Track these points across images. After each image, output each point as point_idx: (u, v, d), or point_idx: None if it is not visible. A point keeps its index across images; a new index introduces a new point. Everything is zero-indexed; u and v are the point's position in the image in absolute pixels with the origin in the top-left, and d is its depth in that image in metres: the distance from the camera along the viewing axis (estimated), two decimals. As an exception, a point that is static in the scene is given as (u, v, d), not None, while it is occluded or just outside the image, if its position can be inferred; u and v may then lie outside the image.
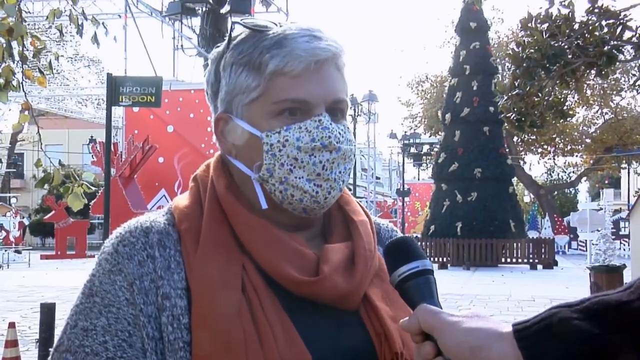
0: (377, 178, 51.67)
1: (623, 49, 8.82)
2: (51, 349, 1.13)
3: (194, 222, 1.13)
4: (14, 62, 4.44)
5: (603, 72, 8.59)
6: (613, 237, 14.77)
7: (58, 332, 1.12)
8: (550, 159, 46.95)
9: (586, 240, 19.95)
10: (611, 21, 8.27)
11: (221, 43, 1.18)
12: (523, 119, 9.03)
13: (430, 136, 45.96)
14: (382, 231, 1.31)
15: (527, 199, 60.26)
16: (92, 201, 18.61)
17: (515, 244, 25.75)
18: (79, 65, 45.15)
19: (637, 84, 11.32)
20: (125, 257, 1.10)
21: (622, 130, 41.50)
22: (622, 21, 8.25)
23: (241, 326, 1.02)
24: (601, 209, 18.84)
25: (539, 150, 45.12)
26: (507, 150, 29.64)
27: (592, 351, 0.84)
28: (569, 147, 44.04)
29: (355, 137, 1.20)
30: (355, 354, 1.09)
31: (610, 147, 41.90)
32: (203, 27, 15.19)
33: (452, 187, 27.06)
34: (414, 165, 53.51)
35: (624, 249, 30.45)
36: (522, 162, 44.10)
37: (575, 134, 43.28)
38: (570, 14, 8.40)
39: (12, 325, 6.55)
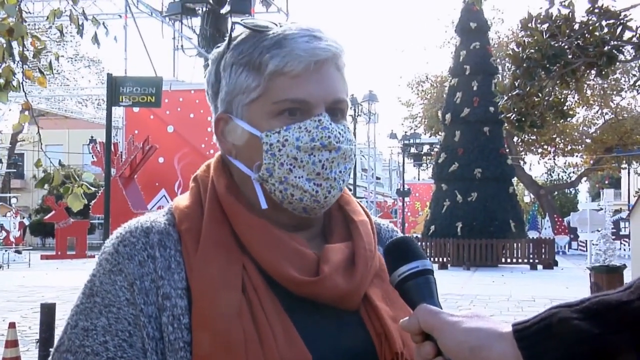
0: (377, 178, 51.68)
1: (623, 49, 8.82)
2: (51, 349, 1.13)
3: (194, 222, 1.13)
4: (14, 63, 4.44)
5: (603, 72, 8.59)
6: (613, 237, 14.78)
7: (58, 332, 1.12)
8: (551, 159, 46.97)
9: (586, 241, 19.94)
10: (611, 21, 8.27)
11: (221, 43, 1.19)
12: (523, 119, 9.03)
13: (430, 136, 45.97)
14: (382, 231, 1.31)
15: (527, 199, 60.26)
16: (92, 201, 18.62)
17: (515, 244, 25.75)
18: (79, 65, 45.19)
19: (637, 84, 11.32)
20: (126, 257, 1.10)
21: (622, 131, 41.50)
22: (622, 21, 8.25)
23: (241, 326, 1.02)
24: (601, 209, 18.83)
25: (539, 150, 45.13)
26: (507, 150, 29.65)
27: (592, 351, 0.84)
28: (569, 147, 44.05)
29: (355, 137, 1.21)
30: (356, 354, 1.09)
31: (610, 147, 41.91)
32: (203, 28, 15.20)
33: (452, 187, 27.06)
34: (414, 166, 53.53)
35: (624, 249, 30.45)
36: (522, 162, 44.10)
37: (576, 134, 43.29)
38: (570, 14, 8.40)
39: (12, 325, 6.55)
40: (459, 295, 15.05)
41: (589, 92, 39.46)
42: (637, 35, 8.30)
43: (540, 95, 8.89)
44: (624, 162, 42.45)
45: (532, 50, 8.40)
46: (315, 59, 1.11)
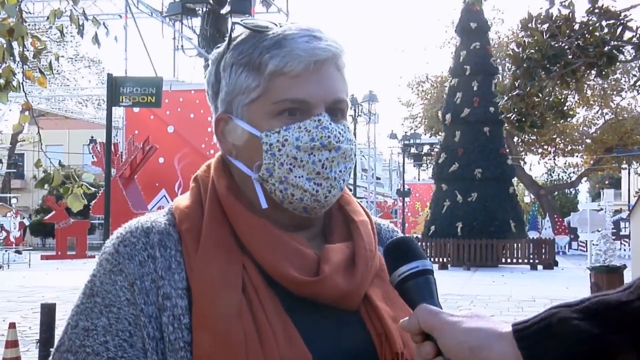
0: (378, 178, 51.68)
1: (623, 50, 8.82)
2: (52, 349, 1.13)
3: (194, 223, 1.13)
4: (14, 63, 4.45)
5: (603, 73, 8.59)
6: (613, 237, 14.79)
7: (58, 332, 1.13)
8: (551, 159, 46.99)
9: (586, 241, 19.95)
10: (611, 21, 8.27)
11: (221, 44, 1.19)
12: (523, 119, 9.03)
13: (430, 136, 45.97)
14: (382, 231, 1.31)
15: (527, 200, 60.26)
16: (93, 202, 18.63)
17: (515, 245, 25.75)
18: (79, 65, 45.20)
19: (637, 84, 11.31)
20: (126, 257, 1.10)
21: (622, 131, 41.52)
22: (622, 21, 8.25)
23: (241, 326, 1.02)
24: (601, 209, 18.84)
25: (539, 150, 45.14)
26: (507, 150, 29.65)
27: (592, 351, 0.84)
28: (569, 148, 44.07)
29: (355, 138, 1.20)
30: (356, 354, 1.09)
31: (610, 147, 41.92)
32: (203, 28, 15.21)
33: (452, 187, 27.06)
34: (414, 166, 53.52)
35: (625, 250, 30.46)
36: (522, 163, 44.10)
37: (576, 134, 43.30)
38: (570, 14, 8.40)
39: (12, 325, 6.55)
40: (459, 295, 15.05)
41: (589, 92, 39.47)
42: (637, 35, 8.30)
43: (540, 95, 8.89)
44: (624, 162, 42.46)
45: (532, 51, 8.40)
46: (315, 59, 1.11)
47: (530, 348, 0.86)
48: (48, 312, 6.70)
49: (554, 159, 47.40)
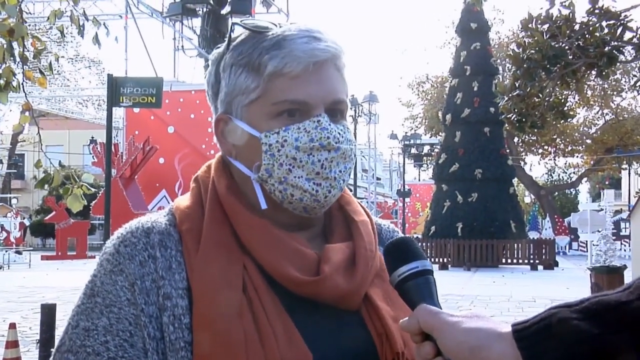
0: (378, 179, 51.69)
1: (623, 50, 8.82)
2: (52, 350, 1.13)
3: (195, 223, 1.13)
4: (14, 63, 4.45)
5: (604, 73, 8.58)
6: (614, 237, 14.78)
7: (58, 332, 1.13)
8: (551, 159, 47.00)
9: (587, 241, 19.97)
10: (612, 22, 8.27)
11: (221, 44, 1.19)
12: (524, 119, 9.03)
13: (430, 137, 45.97)
14: (383, 231, 1.31)
15: (527, 200, 60.26)
16: (93, 202, 18.64)
17: (515, 245, 25.74)
18: (79, 66, 45.21)
19: (637, 84, 11.31)
20: (127, 257, 1.10)
21: (622, 131, 41.52)
22: (622, 22, 8.25)
23: (242, 326, 1.02)
24: (602, 209, 18.86)
25: (540, 151, 45.14)
26: (507, 151, 29.66)
27: (592, 351, 0.84)
28: (569, 148, 44.07)
29: (355, 138, 1.21)
30: (356, 354, 1.09)
31: (610, 147, 41.93)
32: (203, 28, 15.21)
33: (452, 187, 27.05)
34: (414, 166, 53.51)
35: (625, 250, 30.46)
36: (522, 163, 44.10)
37: (576, 134, 43.30)
38: (570, 14, 8.40)
39: (12, 325, 6.55)
40: (459, 295, 15.05)
41: (589, 92, 39.47)
42: (638, 35, 8.30)
43: (540, 95, 8.89)
44: (625, 162, 42.46)
45: (533, 51, 8.40)
46: (314, 59, 1.11)
47: (529, 348, 0.86)
48: (48, 313, 6.71)
49: (554, 160, 47.44)
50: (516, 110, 8.96)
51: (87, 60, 45.20)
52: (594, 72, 8.90)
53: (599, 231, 15.47)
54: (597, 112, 43.84)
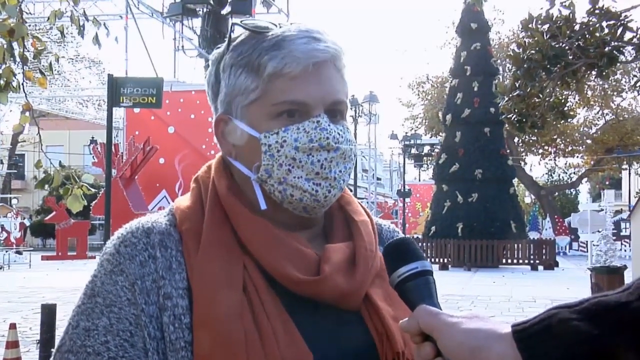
0: (378, 179, 51.68)
1: (624, 50, 8.81)
2: (52, 350, 1.13)
3: (195, 223, 1.13)
4: (15, 63, 4.45)
5: (604, 73, 8.58)
6: (614, 238, 14.78)
7: (59, 333, 1.13)
8: (551, 159, 47.00)
9: (587, 241, 19.96)
10: (612, 22, 8.27)
11: (221, 44, 1.19)
12: (524, 120, 9.03)
13: (431, 137, 45.95)
14: (384, 232, 1.31)
15: (528, 200, 60.25)
16: (93, 202, 18.65)
17: (516, 245, 25.75)
18: (79, 66, 45.23)
19: (637, 84, 11.31)
20: (127, 257, 1.10)
21: (622, 131, 41.53)
22: (622, 22, 8.24)
23: (242, 326, 1.03)
24: (602, 209, 18.87)
25: (540, 151, 45.14)
26: (507, 151, 29.65)
27: (592, 352, 0.84)
28: (569, 148, 44.07)
29: (356, 138, 1.21)
30: (357, 353, 1.09)
31: (611, 148, 41.93)
32: (204, 28, 15.19)
33: (452, 188, 27.05)
34: (414, 166, 53.47)
35: (625, 250, 30.46)
36: (522, 163, 44.09)
37: (576, 134, 43.30)
38: (571, 15, 8.40)
39: (13, 326, 6.55)
40: (459, 296, 15.05)
41: (589, 92, 39.47)
42: (638, 36, 8.30)
43: (540, 96, 8.89)
44: (625, 162, 42.45)
45: (533, 51, 8.40)
46: (313, 60, 1.11)
47: (529, 349, 0.86)
48: (48, 313, 6.71)
49: (555, 160, 47.44)
50: (516, 110, 8.97)
51: (88, 60, 45.24)
52: (594, 73, 8.90)
53: (599, 231, 15.47)
54: (598, 113, 43.85)
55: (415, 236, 29.72)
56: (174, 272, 1.09)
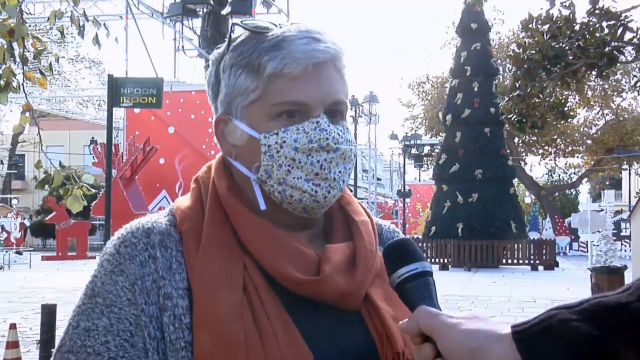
0: (378, 179, 51.68)
1: (624, 50, 8.81)
2: (52, 350, 1.13)
3: (195, 223, 1.13)
4: (15, 64, 4.45)
5: (604, 73, 8.58)
6: (614, 238, 14.78)
7: (59, 333, 1.13)
8: (551, 160, 47.01)
9: (587, 242, 19.96)
10: (612, 22, 8.27)
11: (222, 44, 1.19)
12: (524, 120, 9.04)
13: (431, 137, 45.95)
14: (384, 232, 1.31)
15: (528, 200, 60.26)
16: (93, 202, 18.65)
17: (516, 245, 25.75)
18: (80, 66, 45.22)
19: (638, 85, 11.31)
20: (127, 257, 1.10)
21: (623, 132, 41.54)
22: (623, 22, 8.24)
23: (242, 326, 1.03)
24: (602, 210, 18.87)
25: (540, 151, 45.14)
26: (508, 151, 29.66)
27: (592, 353, 0.84)
28: (570, 148, 44.07)
29: (356, 138, 1.21)
30: (357, 353, 1.09)
31: (611, 148, 41.94)
32: (204, 29, 15.19)
33: (453, 188, 27.06)
34: (414, 166, 53.49)
35: (625, 250, 30.46)
36: (523, 163, 44.09)
37: (576, 135, 43.30)
38: (571, 15, 8.40)
39: (13, 326, 6.55)
40: (459, 296, 15.05)
41: (589, 93, 39.48)
42: (638, 36, 8.30)
43: (541, 96, 8.89)
44: (625, 163, 42.45)
45: (533, 51, 8.40)
46: (313, 60, 1.11)
47: (529, 350, 0.86)
48: (49, 313, 6.71)
49: (555, 160, 47.46)
50: (516, 110, 8.97)
51: (88, 60, 45.24)
52: (594, 73, 8.90)
53: (599, 231, 15.47)
54: (598, 113, 43.85)
55: (415, 236, 29.74)
56: (174, 272, 1.09)
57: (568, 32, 8.28)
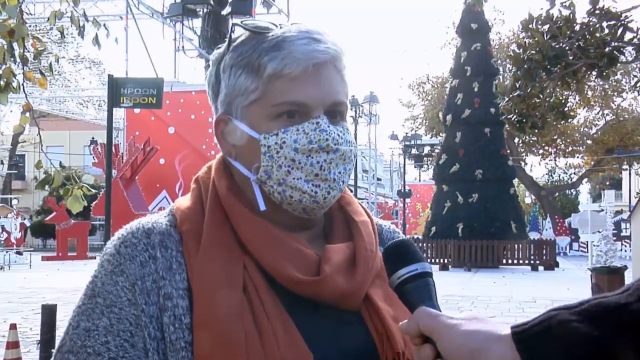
0: (378, 179, 51.69)
1: (624, 50, 8.81)
2: (53, 350, 1.13)
3: (195, 223, 1.13)
4: (15, 64, 4.45)
5: (604, 74, 8.58)
6: (614, 238, 14.79)
7: (59, 333, 1.13)
8: (552, 160, 47.01)
9: (587, 242, 19.95)
10: (612, 22, 8.26)
11: (222, 45, 1.19)
12: (524, 120, 9.04)
13: (431, 137, 45.96)
14: (384, 232, 1.31)
15: (528, 200, 60.25)
16: (93, 203, 18.64)
17: (516, 245, 25.75)
18: (80, 66, 45.26)
19: (638, 85, 11.31)
20: (127, 258, 1.10)
21: (623, 132, 41.54)
22: (623, 22, 8.24)
23: (242, 326, 1.03)
24: (602, 210, 18.86)
25: (540, 151, 45.14)
26: (508, 151, 29.66)
27: (591, 353, 0.84)
28: (570, 149, 44.07)
29: (356, 139, 1.21)
30: (357, 354, 1.09)
31: (611, 148, 41.94)
32: (204, 29, 15.19)
33: (453, 188, 27.06)
34: (415, 167, 53.50)
35: (625, 250, 30.45)
36: (523, 164, 44.09)
37: (577, 135, 43.31)
38: (571, 15, 8.40)
39: (13, 326, 6.55)
40: (460, 296, 15.05)
41: (590, 93, 39.48)
42: (638, 36, 8.30)
43: (541, 96, 8.89)
44: (625, 163, 42.44)
45: (533, 52, 8.40)
46: (313, 61, 1.11)
47: (529, 350, 0.86)
48: (49, 313, 6.71)
49: (555, 160, 47.47)
50: (517, 110, 8.97)
51: (88, 61, 45.27)
52: (594, 73, 8.90)
53: (599, 232, 15.47)
54: (598, 113, 43.87)
55: (415, 236, 29.76)
56: (174, 272, 1.09)
57: (568, 32, 8.28)
